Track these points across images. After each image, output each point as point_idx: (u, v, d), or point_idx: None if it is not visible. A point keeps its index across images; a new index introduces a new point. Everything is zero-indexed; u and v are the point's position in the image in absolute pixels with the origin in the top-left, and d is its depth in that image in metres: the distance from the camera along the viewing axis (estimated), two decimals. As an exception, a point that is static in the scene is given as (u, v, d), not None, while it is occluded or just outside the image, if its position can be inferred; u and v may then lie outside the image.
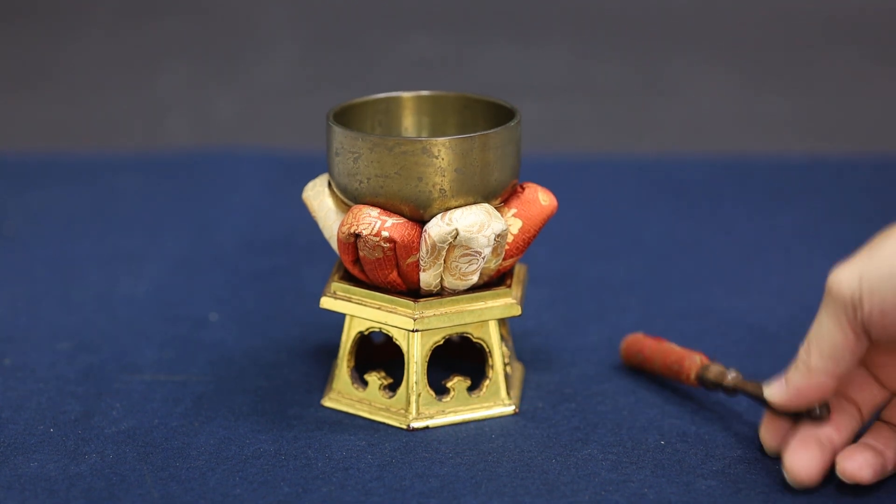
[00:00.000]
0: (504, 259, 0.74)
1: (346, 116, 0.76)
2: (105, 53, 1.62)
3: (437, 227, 0.71)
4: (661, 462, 0.70)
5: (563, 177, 1.11)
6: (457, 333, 0.74)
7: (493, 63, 1.57)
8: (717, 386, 0.73)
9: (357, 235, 0.71)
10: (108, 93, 1.46)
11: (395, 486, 0.68)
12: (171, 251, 0.99)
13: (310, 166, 0.89)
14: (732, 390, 0.72)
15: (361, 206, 0.72)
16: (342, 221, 0.72)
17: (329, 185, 0.76)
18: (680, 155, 1.23)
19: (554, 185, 0.78)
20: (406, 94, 0.80)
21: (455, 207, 0.71)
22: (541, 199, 0.75)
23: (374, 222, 0.71)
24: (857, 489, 0.67)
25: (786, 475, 0.67)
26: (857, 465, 0.66)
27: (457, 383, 0.75)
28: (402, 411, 0.74)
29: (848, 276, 0.63)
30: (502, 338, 0.76)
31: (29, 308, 0.89)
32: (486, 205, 0.72)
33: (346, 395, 0.76)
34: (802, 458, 0.66)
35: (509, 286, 0.75)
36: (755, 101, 1.44)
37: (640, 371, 0.79)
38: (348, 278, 0.75)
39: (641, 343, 0.79)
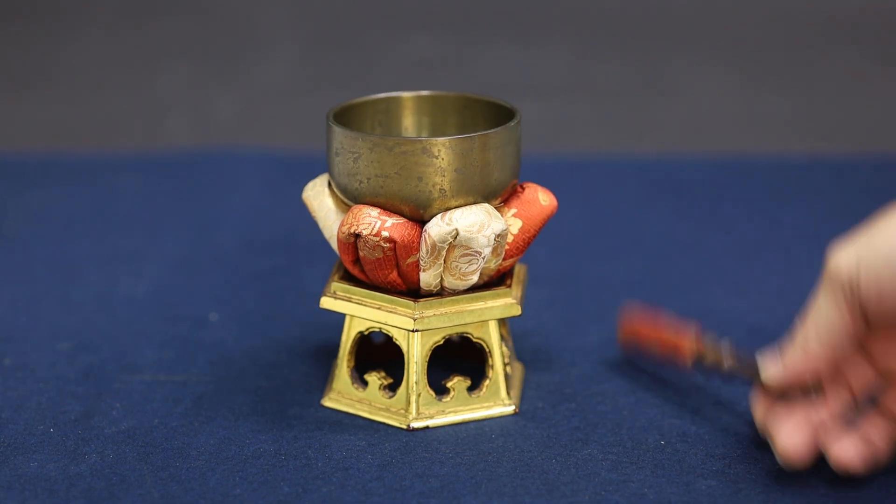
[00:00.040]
0: (504, 259, 0.74)
1: (346, 116, 0.76)
2: (105, 53, 1.62)
3: (437, 227, 0.71)
4: (661, 462, 0.70)
5: (563, 177, 1.11)
6: (457, 333, 0.74)
7: (493, 63, 1.57)
8: (714, 371, 0.74)
9: (357, 235, 0.71)
10: (108, 93, 1.46)
11: (395, 486, 0.68)
12: (171, 251, 0.99)
13: (310, 166, 0.89)
14: (729, 376, 0.73)
15: (361, 206, 0.72)
16: (342, 221, 0.72)
17: (329, 185, 0.76)
18: (680, 155, 1.23)
19: (554, 185, 0.78)
20: (406, 94, 0.80)
21: (455, 207, 0.71)
22: (541, 199, 0.75)
23: (374, 222, 0.71)
24: (856, 489, 0.67)
25: (776, 456, 0.67)
26: (849, 455, 0.66)
27: (457, 383, 0.75)
28: (402, 411, 0.74)
29: (846, 258, 0.64)
30: (502, 338, 0.76)
31: (29, 308, 0.89)
32: (486, 205, 0.72)
33: (346, 395, 0.76)
34: (793, 438, 0.67)
35: (509, 286, 0.75)
36: (755, 101, 1.44)
37: (637, 350, 0.80)
38: (348, 278, 0.75)
39: (636, 328, 0.79)
